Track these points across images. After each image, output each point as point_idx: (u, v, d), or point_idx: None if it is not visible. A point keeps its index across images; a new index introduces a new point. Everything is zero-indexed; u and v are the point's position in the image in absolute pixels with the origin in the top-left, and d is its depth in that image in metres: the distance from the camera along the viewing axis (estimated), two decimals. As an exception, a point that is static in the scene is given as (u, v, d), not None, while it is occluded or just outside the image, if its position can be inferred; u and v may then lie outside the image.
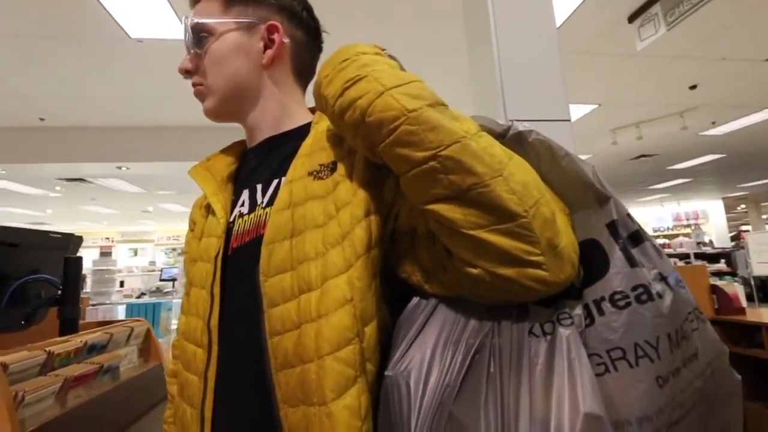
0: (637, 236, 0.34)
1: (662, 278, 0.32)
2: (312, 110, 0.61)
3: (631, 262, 0.33)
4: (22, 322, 0.94)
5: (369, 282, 0.43)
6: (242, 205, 0.54)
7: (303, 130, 0.56)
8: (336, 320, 0.40)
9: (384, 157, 0.41)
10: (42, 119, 4.31)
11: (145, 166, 4.96)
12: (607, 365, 0.31)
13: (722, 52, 3.54)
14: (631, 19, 3.05)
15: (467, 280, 0.38)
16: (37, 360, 0.72)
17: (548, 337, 0.33)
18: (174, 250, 11.87)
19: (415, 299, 0.43)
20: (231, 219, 0.54)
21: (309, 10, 0.61)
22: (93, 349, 0.88)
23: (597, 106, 4.62)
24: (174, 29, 2.92)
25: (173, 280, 6.12)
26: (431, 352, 0.37)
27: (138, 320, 1.12)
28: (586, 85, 4.01)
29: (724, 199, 12.31)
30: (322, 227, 0.44)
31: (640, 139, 5.62)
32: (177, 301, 5.59)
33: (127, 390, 0.94)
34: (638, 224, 0.35)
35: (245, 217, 0.52)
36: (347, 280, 0.42)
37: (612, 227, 0.35)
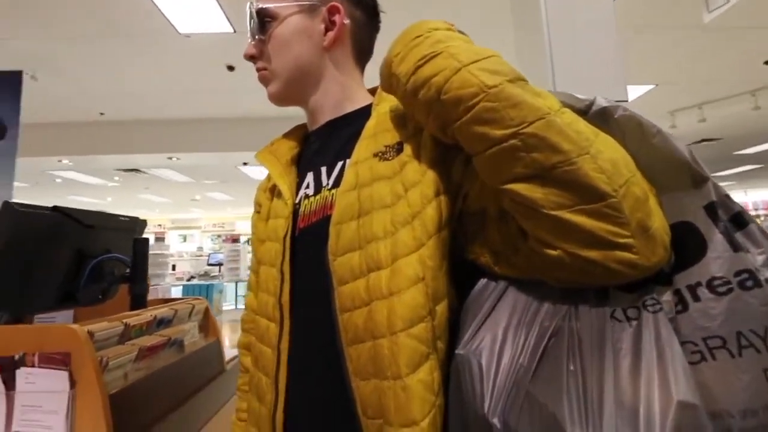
0: (741, 219, 0.32)
1: None
2: (371, 91, 0.61)
3: (734, 246, 0.31)
4: (100, 297, 1.04)
5: (440, 262, 0.43)
6: (307, 187, 0.55)
7: (364, 112, 0.56)
8: (408, 298, 0.40)
9: (458, 136, 0.39)
10: (102, 113, 4.65)
11: (193, 156, 5.24)
12: (704, 354, 0.30)
13: (804, 20, 3.15)
14: (697, -13, 2.78)
15: (544, 262, 0.37)
16: (116, 330, 0.80)
17: (633, 323, 0.32)
18: (219, 236, 12.52)
19: (483, 281, 0.43)
20: (297, 200, 0.55)
21: None
22: (161, 323, 0.96)
23: (654, 86, 4.28)
24: (219, 24, 3.03)
25: (220, 264, 6.49)
26: (503, 333, 0.37)
27: (198, 299, 1.20)
28: (640, 64, 3.72)
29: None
30: (390, 207, 0.44)
31: (702, 121, 5.15)
32: (227, 284, 5.91)
33: (190, 362, 1.01)
34: (740, 206, 0.32)
35: (311, 199, 0.53)
36: (419, 259, 0.42)
37: (710, 209, 0.32)
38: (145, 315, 0.91)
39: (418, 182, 0.44)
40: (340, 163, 0.53)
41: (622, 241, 0.32)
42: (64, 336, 0.70)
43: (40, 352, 0.68)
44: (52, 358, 0.68)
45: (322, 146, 0.58)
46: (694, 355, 0.30)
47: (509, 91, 0.34)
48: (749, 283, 0.29)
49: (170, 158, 5.27)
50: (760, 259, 0.30)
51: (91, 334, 0.72)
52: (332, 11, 0.56)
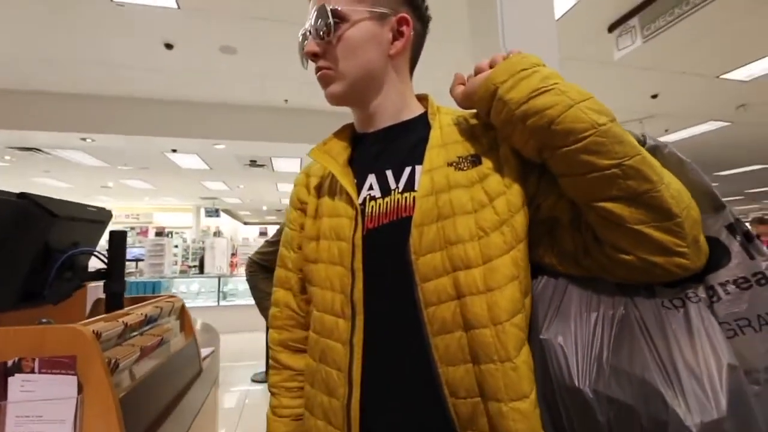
0: (749, 235, 0.44)
1: None
2: (417, 98, 0.65)
3: (750, 255, 0.43)
4: (70, 295, 0.93)
5: (527, 263, 0.51)
6: (370, 188, 0.57)
7: (421, 120, 0.61)
8: (509, 293, 0.47)
9: (555, 159, 0.47)
10: (-6, 80, 3.91)
11: (113, 139, 4.66)
12: (736, 330, 0.41)
13: (683, 67, 3.89)
14: (611, 29, 3.27)
15: (613, 264, 0.46)
16: (117, 330, 0.74)
17: (681, 310, 0.43)
18: (132, 228, 11.21)
19: (544, 278, 0.52)
20: (360, 201, 0.57)
21: (426, 3, 0.63)
22: (150, 322, 0.90)
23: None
24: (159, -5, 2.76)
25: (138, 260, 5.84)
26: (573, 320, 0.46)
27: (173, 297, 1.13)
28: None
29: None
30: (472, 213, 0.50)
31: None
32: (163, 280, 5.28)
33: (176, 361, 0.96)
34: (747, 226, 0.46)
35: (378, 201, 0.56)
36: (512, 260, 0.49)
37: (730, 228, 0.45)
38: (136, 314, 0.86)
39: (503, 193, 0.51)
40: (408, 169, 0.56)
41: (681, 250, 0.43)
42: (69, 337, 0.64)
43: (41, 357, 0.62)
44: (57, 362, 0.62)
45: (384, 150, 0.61)
46: (729, 332, 0.42)
47: (615, 131, 0.43)
48: (763, 281, 0.43)
49: (84, 139, 4.60)
50: (765, 264, 0.43)
51: (98, 334, 0.67)
52: (401, 22, 0.58)
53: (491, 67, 0.53)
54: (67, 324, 0.68)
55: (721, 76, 4.04)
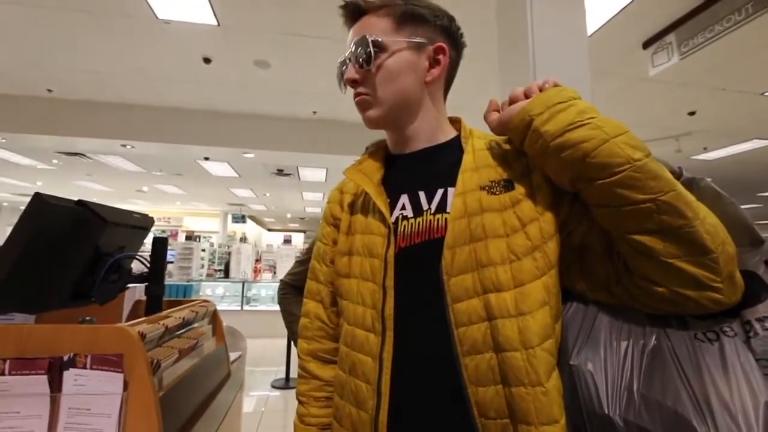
0: None
1: None
2: (450, 120, 0.68)
3: None
4: (114, 296, 0.99)
5: (558, 289, 0.52)
6: (403, 208, 0.59)
7: (454, 144, 0.63)
8: (540, 318, 0.48)
9: (591, 191, 0.48)
10: (50, 90, 4.22)
11: (151, 146, 4.91)
12: None
13: (723, 83, 3.74)
14: (646, 45, 3.20)
15: (644, 295, 0.47)
16: (158, 332, 0.79)
17: (715, 344, 0.43)
18: (163, 231, 11.69)
19: (574, 304, 0.53)
20: (393, 220, 0.58)
21: (462, 31, 0.65)
22: (186, 325, 0.94)
23: (600, 123, 4.80)
24: (203, 15, 2.92)
25: (169, 262, 6.09)
26: (603, 348, 0.47)
27: (206, 301, 1.18)
28: (593, 103, 4.17)
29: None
30: (504, 237, 0.51)
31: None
32: (193, 284, 5.49)
33: (207, 364, 1.01)
34: None
35: (411, 220, 0.57)
36: (543, 286, 0.50)
37: None
38: (175, 317, 0.90)
39: (536, 219, 0.52)
40: (440, 190, 0.58)
41: (715, 285, 0.43)
42: (117, 337, 0.69)
43: (92, 354, 0.66)
44: (107, 359, 0.66)
45: (417, 171, 0.62)
46: (765, 369, 0.41)
47: (651, 166, 0.45)
48: None
49: (124, 145, 4.88)
50: None
51: (142, 335, 0.71)
52: (438, 51, 0.61)
53: (527, 96, 0.54)
54: (109, 324, 0.74)
55: (766, 94, 3.87)
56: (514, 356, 0.47)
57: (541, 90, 0.54)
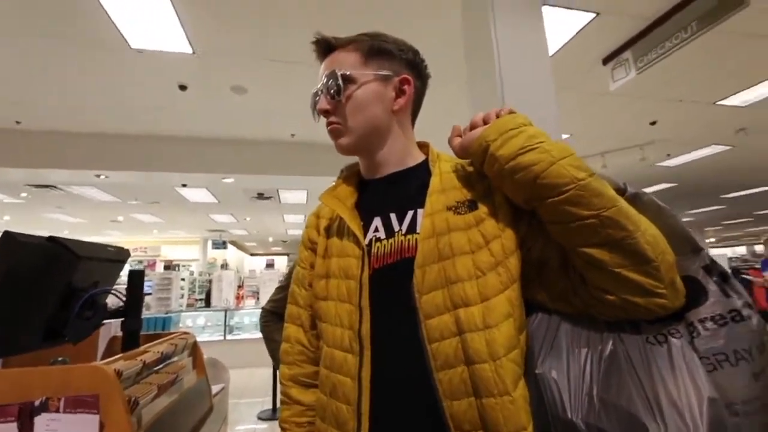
0: (725, 275, 0.48)
1: (748, 305, 0.46)
2: (418, 145, 0.71)
3: (726, 294, 0.47)
4: (88, 333, 0.96)
5: (521, 301, 0.55)
6: (376, 230, 0.62)
7: (422, 167, 0.67)
8: (505, 330, 0.51)
9: (543, 209, 0.52)
10: (18, 122, 4.12)
11: (127, 175, 4.82)
12: (715, 365, 0.44)
13: (679, 95, 3.99)
14: (605, 61, 3.40)
15: (599, 303, 0.50)
16: (136, 369, 0.77)
17: (664, 345, 0.46)
18: (140, 262, 11.30)
19: (539, 315, 0.55)
20: (367, 242, 0.61)
21: (425, 63, 0.69)
22: (165, 359, 0.92)
23: (568, 136, 5.01)
24: (177, 43, 2.93)
25: (146, 294, 5.88)
26: (566, 355, 0.50)
27: (185, 333, 1.16)
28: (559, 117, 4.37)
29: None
30: (470, 254, 0.54)
31: (604, 167, 6.11)
32: (173, 315, 5.29)
33: (188, 398, 0.98)
34: (723, 267, 0.49)
35: (384, 242, 0.60)
36: (507, 299, 0.53)
37: (707, 269, 0.49)
38: (153, 351, 0.88)
39: (497, 236, 0.56)
40: (410, 212, 0.61)
41: (659, 291, 0.47)
42: (92, 376, 0.67)
43: (66, 396, 0.65)
44: (81, 401, 0.65)
45: (388, 195, 0.66)
46: (709, 366, 0.45)
47: (594, 185, 0.49)
48: (737, 318, 0.46)
49: (98, 175, 4.77)
50: (740, 303, 0.47)
51: (119, 373, 0.70)
52: (403, 82, 0.66)
53: (485, 122, 0.58)
54: (83, 363, 0.72)
55: (718, 103, 4.13)
56: (483, 368, 0.49)
57: (498, 116, 0.58)
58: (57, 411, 0.64)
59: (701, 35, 2.56)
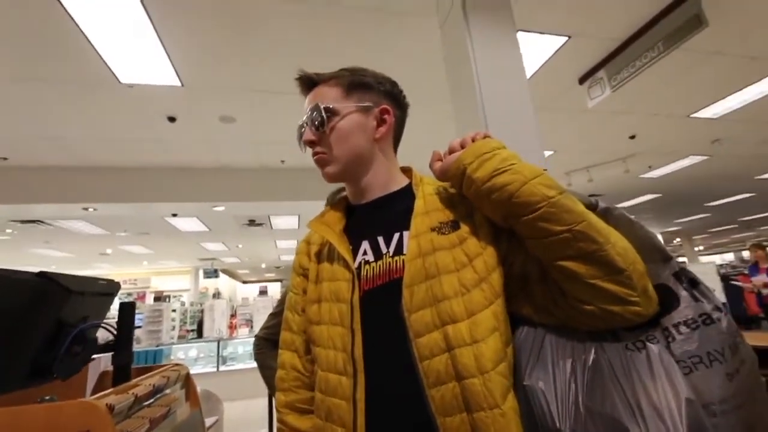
0: (694, 281, 0.51)
1: (717, 308, 0.49)
2: (402, 170, 0.74)
3: (695, 299, 0.50)
4: (78, 369, 0.95)
5: (505, 315, 0.57)
6: (365, 253, 0.64)
7: (406, 191, 0.70)
8: (492, 343, 0.53)
9: (519, 226, 0.54)
10: (5, 158, 4.10)
11: (116, 207, 4.79)
12: (691, 367, 0.46)
13: (654, 109, 4.16)
14: (582, 81, 3.55)
15: (578, 314, 0.52)
16: (128, 403, 0.76)
17: (643, 351, 0.48)
18: (130, 294, 11.04)
19: (524, 328, 0.57)
20: (356, 265, 0.62)
21: (404, 93, 0.74)
22: (157, 392, 0.91)
23: (552, 152, 5.15)
24: (166, 77, 2.99)
25: (136, 327, 5.72)
26: (551, 366, 0.51)
27: (178, 365, 1.14)
28: (543, 135, 4.51)
29: (661, 233, 13.62)
30: (455, 272, 0.56)
31: (590, 181, 6.27)
32: (164, 348, 5.13)
33: (183, 431, 0.96)
34: (692, 273, 0.52)
35: (372, 264, 0.62)
36: (493, 314, 0.54)
37: (677, 276, 0.52)
38: (145, 384, 0.87)
39: (480, 254, 0.58)
40: (396, 234, 0.63)
41: (633, 299, 0.49)
42: (83, 413, 0.67)
43: (55, 434, 0.63)
44: (71, 438, 0.63)
45: (374, 219, 0.68)
46: (685, 369, 0.46)
47: (564, 201, 0.52)
48: (708, 321, 0.48)
49: (86, 209, 4.73)
50: (709, 306, 0.49)
51: (110, 407, 0.69)
52: (383, 111, 0.69)
53: (462, 147, 0.62)
54: (72, 400, 0.71)
55: (692, 115, 4.31)
56: (473, 383, 0.51)
57: (474, 141, 0.61)
58: (46, 451, 0.62)
59: (668, 54, 2.71)
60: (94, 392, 1.11)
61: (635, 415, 0.43)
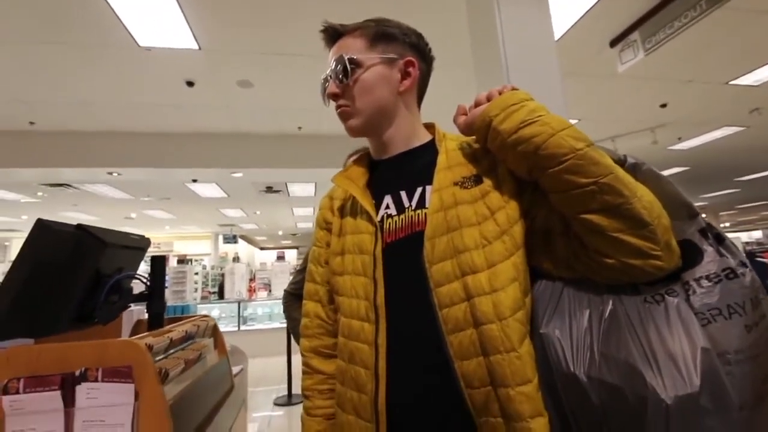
0: (720, 237, 0.51)
1: (742, 264, 0.49)
2: (425, 126, 0.74)
3: (720, 254, 0.50)
4: (115, 315, 1.02)
5: (525, 267, 0.58)
6: (387, 207, 0.65)
7: (429, 146, 0.70)
8: (511, 292, 0.54)
9: (544, 178, 0.54)
10: (32, 123, 4.22)
11: (138, 171, 4.91)
12: (709, 319, 0.47)
13: (690, 75, 3.92)
14: (613, 44, 3.35)
15: (599, 267, 0.53)
16: (164, 344, 0.82)
17: (661, 304, 0.49)
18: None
19: (543, 282, 0.58)
20: (379, 219, 0.64)
21: (429, 46, 0.72)
22: (190, 338, 0.98)
23: (578, 120, 4.96)
24: (184, 40, 2.97)
25: (162, 287, 6.04)
26: (568, 316, 0.53)
27: (206, 316, 1.21)
28: (568, 101, 4.33)
29: (686, 208, 13.13)
30: (476, 225, 0.57)
31: (615, 151, 6.05)
32: (190, 305, 5.42)
33: (213, 375, 1.04)
34: (718, 228, 0.52)
35: (395, 218, 0.64)
36: (513, 265, 0.56)
37: (702, 232, 0.52)
38: (178, 330, 0.94)
39: (502, 207, 0.59)
40: (419, 189, 0.64)
41: (655, 253, 0.50)
42: (126, 349, 0.72)
43: (103, 367, 0.70)
44: (117, 371, 0.70)
45: (397, 173, 0.69)
46: (703, 320, 0.47)
47: (591, 154, 0.51)
48: (731, 275, 0.48)
49: (110, 173, 4.88)
50: (734, 262, 0.49)
51: (150, 347, 0.75)
52: (408, 64, 0.68)
53: (488, 100, 0.61)
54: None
55: (730, 83, 4.05)
56: (490, 328, 0.53)
57: (500, 93, 0.60)
58: (95, 380, 0.69)
59: (711, 13, 2.52)
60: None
61: (650, 361, 0.45)
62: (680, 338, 0.45)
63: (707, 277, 0.49)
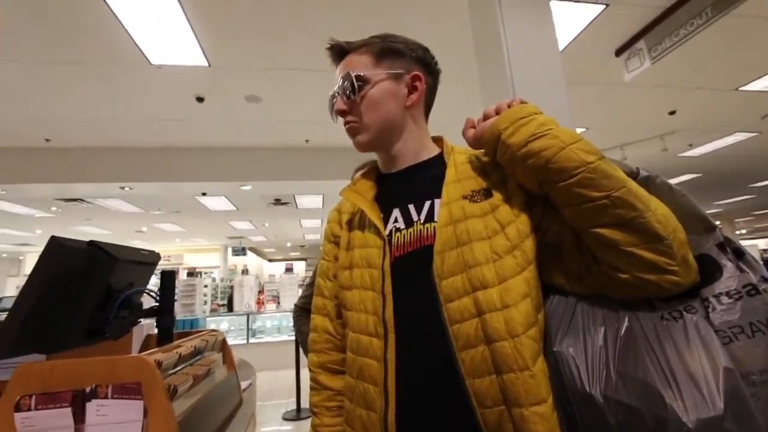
0: (739, 251, 0.49)
1: (764, 279, 0.47)
2: (433, 139, 0.74)
3: (740, 270, 0.48)
4: (126, 330, 1.03)
5: (537, 282, 0.57)
6: (396, 221, 0.65)
7: (437, 160, 0.69)
8: (523, 308, 0.53)
9: (555, 192, 0.53)
10: (48, 140, 4.33)
11: (150, 186, 5.00)
12: (731, 337, 0.45)
13: (698, 82, 3.89)
14: (618, 52, 3.35)
15: (613, 282, 0.51)
16: (173, 360, 0.82)
17: (680, 321, 0.47)
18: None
19: (556, 297, 0.57)
20: (387, 232, 0.63)
21: (436, 59, 0.72)
22: (198, 353, 0.98)
23: (585, 129, 4.94)
24: (194, 57, 3.05)
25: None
26: (582, 333, 0.51)
27: (215, 331, 1.21)
28: (575, 111, 4.32)
29: (699, 215, 12.88)
30: (487, 239, 0.56)
31: (624, 159, 5.98)
32: (199, 318, 5.46)
33: (221, 390, 1.03)
34: (738, 243, 0.50)
35: (403, 232, 0.63)
36: (524, 280, 0.54)
37: (721, 246, 0.50)
38: (187, 345, 0.94)
39: (512, 221, 0.58)
40: (428, 202, 0.63)
41: (671, 268, 0.48)
42: (135, 366, 0.72)
43: (113, 384, 0.70)
44: (127, 388, 0.70)
45: (405, 187, 0.68)
46: (724, 339, 0.45)
47: (603, 167, 0.51)
48: (753, 292, 0.46)
49: (123, 188, 4.97)
50: (755, 278, 0.47)
51: (159, 363, 0.75)
52: (414, 79, 0.69)
53: (497, 113, 0.61)
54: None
55: (740, 89, 4.01)
56: (503, 345, 0.51)
57: (509, 106, 0.60)
58: (105, 397, 0.69)
59: (716, 20, 2.51)
60: (140, 352, 1.19)
61: (668, 380, 0.43)
62: (701, 357, 0.44)
63: (727, 294, 0.47)
